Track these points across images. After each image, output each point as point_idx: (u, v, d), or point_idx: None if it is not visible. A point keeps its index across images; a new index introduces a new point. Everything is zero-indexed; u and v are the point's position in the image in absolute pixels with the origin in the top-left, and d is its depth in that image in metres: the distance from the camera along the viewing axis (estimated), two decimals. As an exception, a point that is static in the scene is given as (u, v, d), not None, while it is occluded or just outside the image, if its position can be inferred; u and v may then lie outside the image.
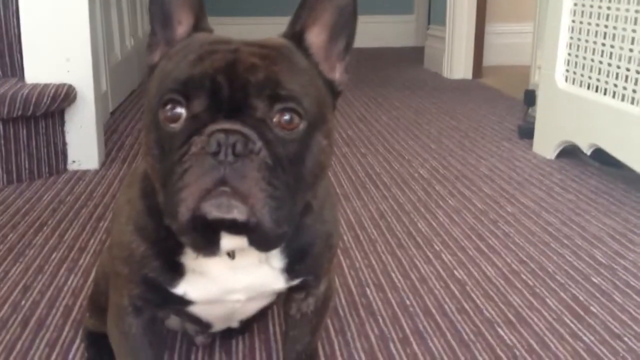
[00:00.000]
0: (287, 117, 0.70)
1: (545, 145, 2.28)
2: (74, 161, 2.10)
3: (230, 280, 0.83)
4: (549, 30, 2.26)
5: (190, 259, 0.82)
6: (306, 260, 0.87)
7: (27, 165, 1.98)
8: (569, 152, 2.23)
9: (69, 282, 1.36)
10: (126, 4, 3.27)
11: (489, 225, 1.69)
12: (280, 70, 0.71)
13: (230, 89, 0.69)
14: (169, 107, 0.70)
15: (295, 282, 0.88)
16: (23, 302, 1.28)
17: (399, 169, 2.16)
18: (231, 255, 0.80)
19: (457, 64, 3.84)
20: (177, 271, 0.82)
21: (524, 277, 1.41)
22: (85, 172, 2.08)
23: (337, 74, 0.82)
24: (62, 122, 2.07)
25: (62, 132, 2.07)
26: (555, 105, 2.22)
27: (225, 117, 0.68)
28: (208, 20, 0.82)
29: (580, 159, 2.22)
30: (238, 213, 0.67)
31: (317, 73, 0.79)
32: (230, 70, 0.70)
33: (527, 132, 2.48)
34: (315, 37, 0.79)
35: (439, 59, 3.94)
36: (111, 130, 2.59)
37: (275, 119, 0.70)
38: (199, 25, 0.80)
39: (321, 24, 0.79)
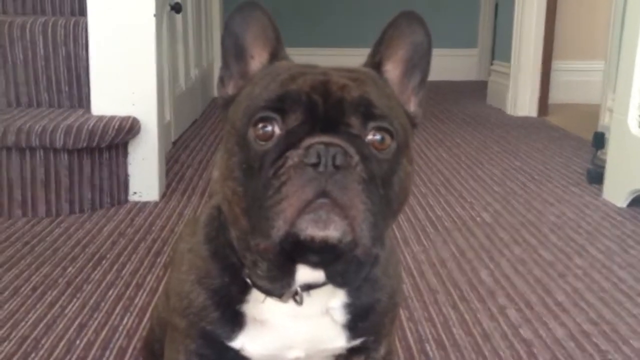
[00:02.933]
0: (378, 137, 0.70)
1: (616, 192, 2.18)
2: (135, 192, 2.12)
3: (291, 331, 0.80)
4: (622, 73, 2.18)
5: (252, 306, 0.79)
6: (370, 318, 0.84)
7: (89, 196, 2.00)
8: (642, 201, 2.13)
9: (124, 322, 1.35)
10: (192, 36, 3.32)
11: (556, 279, 1.61)
12: (371, 92, 0.72)
13: (325, 106, 0.69)
14: (260, 125, 0.70)
15: (357, 342, 0.85)
16: (78, 342, 1.27)
17: (461, 212, 2.10)
18: (298, 300, 0.77)
19: (522, 101, 3.75)
20: (237, 322, 0.80)
21: (596, 340, 1.33)
22: (145, 203, 2.09)
23: (412, 107, 0.83)
24: (126, 154, 2.10)
25: (125, 164, 2.10)
26: (627, 152, 2.12)
27: (320, 133, 0.68)
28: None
29: (654, 209, 2.12)
30: (334, 230, 0.65)
31: (399, 101, 0.80)
32: (324, 89, 0.70)
33: (596, 177, 2.38)
34: (392, 71, 0.81)
35: (503, 94, 3.86)
36: (173, 161, 2.61)
37: (368, 138, 0.70)
38: (277, 55, 0.80)
39: (397, 59, 0.81)
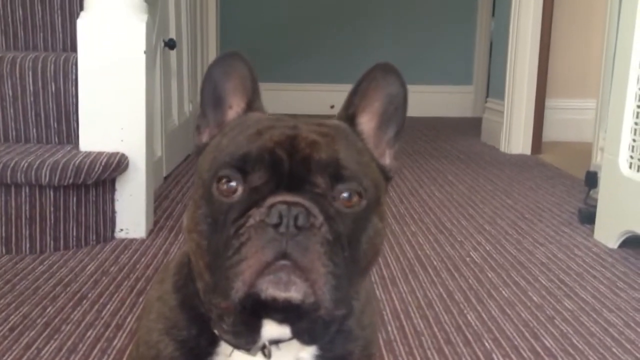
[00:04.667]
0: (346, 194, 0.68)
1: (607, 233, 2.16)
2: (121, 229, 2.10)
3: None
4: (613, 114, 2.18)
5: (221, 359, 0.77)
6: None
7: (74, 233, 1.98)
8: (633, 242, 2.11)
9: (100, 365, 1.32)
10: (187, 72, 3.34)
11: (545, 323, 1.58)
12: (340, 150, 0.71)
13: (290, 163, 0.67)
14: (224, 180, 0.68)
15: None
16: (52, 386, 1.24)
17: (450, 252, 2.08)
18: (267, 354, 0.75)
19: (516, 139, 3.75)
20: None
21: (582, 387, 1.30)
22: (131, 241, 2.07)
23: (387, 160, 0.81)
24: (113, 191, 2.08)
25: (112, 201, 2.08)
26: (618, 192, 2.11)
27: (285, 191, 0.66)
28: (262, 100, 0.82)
29: (646, 250, 2.09)
30: (295, 291, 0.63)
31: (371, 156, 0.78)
32: (290, 145, 0.69)
33: (587, 217, 2.36)
34: (366, 123, 0.79)
35: (497, 132, 3.87)
36: (163, 197, 2.59)
37: (335, 197, 0.68)
38: (252, 106, 0.80)
39: (371, 111, 0.79)
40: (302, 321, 0.69)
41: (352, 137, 0.76)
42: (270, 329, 0.72)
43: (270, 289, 0.63)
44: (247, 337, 0.73)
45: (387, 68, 0.77)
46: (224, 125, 0.79)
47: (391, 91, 0.78)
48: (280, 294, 0.63)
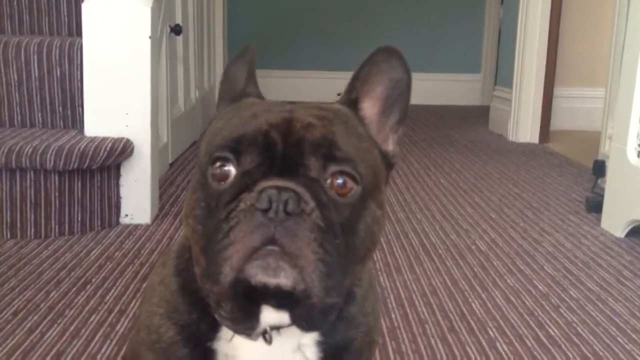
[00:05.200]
0: (340, 180, 0.67)
1: (614, 222, 2.14)
2: (126, 215, 2.10)
3: None
4: (621, 103, 2.15)
5: (222, 344, 0.77)
6: (344, 357, 0.81)
7: (79, 218, 1.98)
8: (640, 231, 2.10)
9: (102, 350, 1.32)
10: (193, 58, 3.32)
11: (550, 312, 1.57)
12: (337, 132, 0.69)
13: (284, 145, 0.66)
14: (218, 164, 0.68)
15: None
16: (54, 370, 1.24)
17: (456, 240, 2.07)
18: (268, 339, 0.75)
19: (523, 127, 3.73)
20: (207, 359, 0.77)
21: (586, 376, 1.29)
22: (136, 226, 2.07)
23: (390, 146, 0.79)
24: (118, 176, 2.08)
25: (117, 186, 2.08)
26: (625, 182, 2.09)
27: (277, 175, 0.65)
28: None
29: (653, 239, 2.08)
30: (284, 277, 0.62)
31: (373, 142, 0.76)
32: (285, 127, 0.67)
33: (595, 206, 2.34)
34: (369, 108, 0.78)
35: (505, 121, 3.84)
36: (168, 182, 2.59)
37: (328, 182, 0.67)
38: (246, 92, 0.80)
39: (374, 96, 0.78)
40: (299, 308, 0.69)
41: (352, 121, 0.74)
42: (269, 315, 0.71)
43: (259, 275, 0.62)
44: (245, 323, 0.72)
45: (390, 51, 0.76)
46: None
47: (394, 76, 0.76)
48: (270, 280, 0.62)
